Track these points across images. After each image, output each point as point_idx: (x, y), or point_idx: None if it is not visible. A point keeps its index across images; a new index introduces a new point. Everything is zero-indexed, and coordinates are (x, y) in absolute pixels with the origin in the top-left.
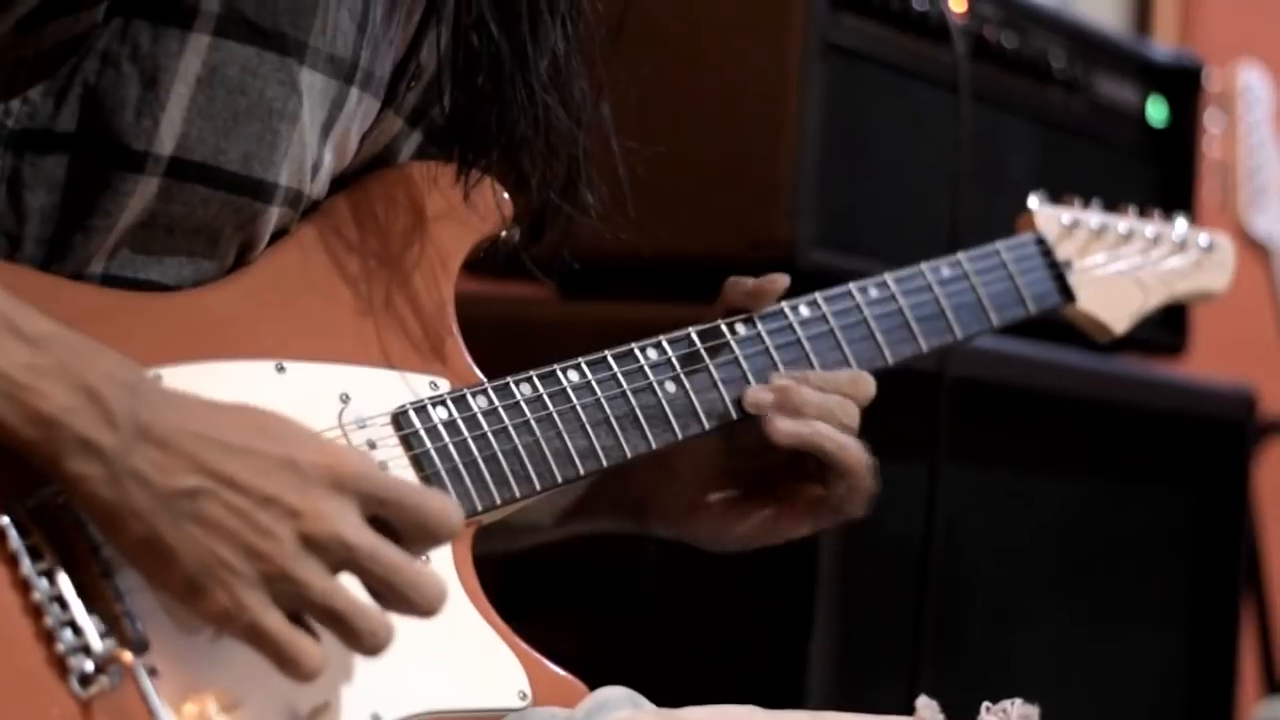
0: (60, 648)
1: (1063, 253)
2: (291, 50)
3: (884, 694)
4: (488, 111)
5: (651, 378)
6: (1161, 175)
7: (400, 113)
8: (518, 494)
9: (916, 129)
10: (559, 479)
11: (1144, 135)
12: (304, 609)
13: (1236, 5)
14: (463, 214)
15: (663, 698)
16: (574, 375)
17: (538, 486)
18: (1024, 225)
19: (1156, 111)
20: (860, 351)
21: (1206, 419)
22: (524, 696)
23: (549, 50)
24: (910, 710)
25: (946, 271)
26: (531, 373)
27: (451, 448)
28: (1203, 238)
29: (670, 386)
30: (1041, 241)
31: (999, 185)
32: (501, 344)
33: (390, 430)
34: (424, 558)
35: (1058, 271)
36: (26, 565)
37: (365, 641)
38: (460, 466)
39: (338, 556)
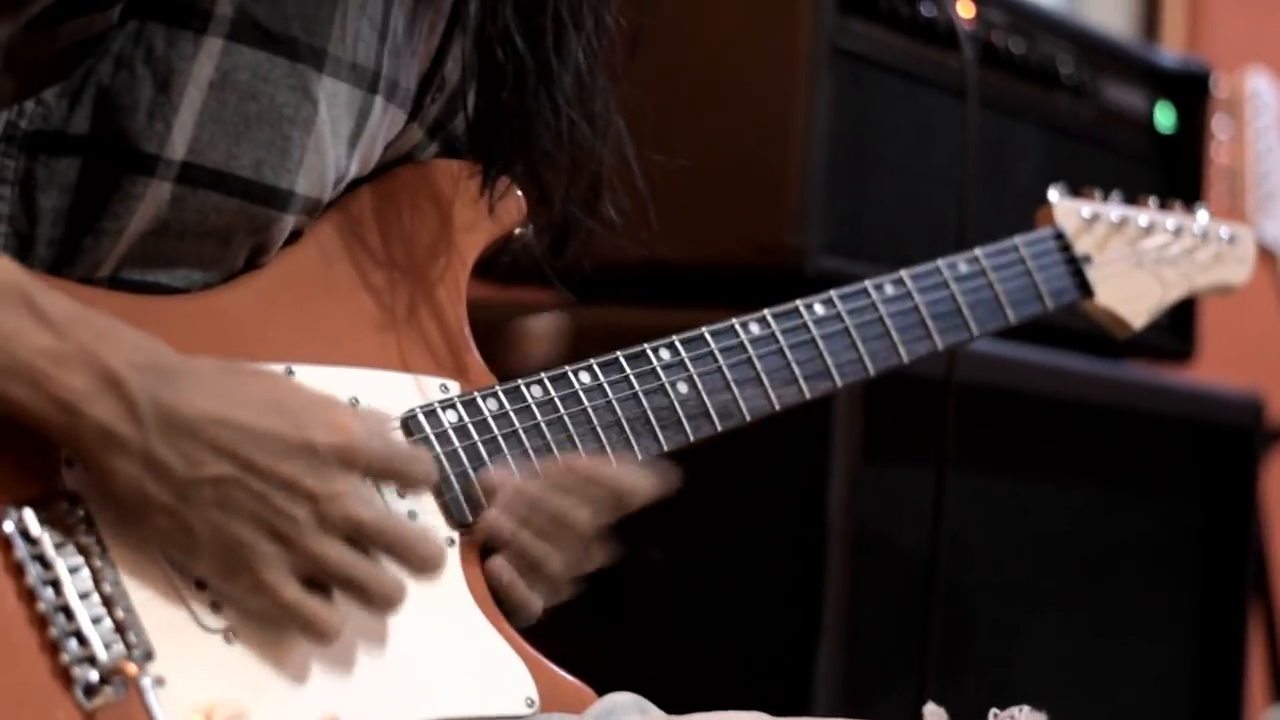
0: (65, 658)
1: (1082, 247)
2: (305, 57)
3: (891, 701)
4: (511, 125)
5: (664, 379)
6: (1169, 181)
7: (423, 125)
8: None
9: (924, 134)
10: None
11: (1151, 141)
12: (325, 579)
13: (1244, 11)
14: (475, 216)
15: (670, 704)
16: (585, 377)
17: None
18: (1043, 219)
19: (1164, 117)
20: (875, 350)
21: (1214, 425)
22: (531, 702)
23: (573, 65)
24: (918, 717)
25: (964, 268)
26: (543, 374)
27: (461, 452)
28: (1224, 230)
29: (683, 387)
30: (1060, 236)
31: (1006, 191)
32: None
33: (400, 434)
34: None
35: (1076, 267)
36: (32, 575)
37: (379, 601)
38: (469, 471)
39: (349, 530)
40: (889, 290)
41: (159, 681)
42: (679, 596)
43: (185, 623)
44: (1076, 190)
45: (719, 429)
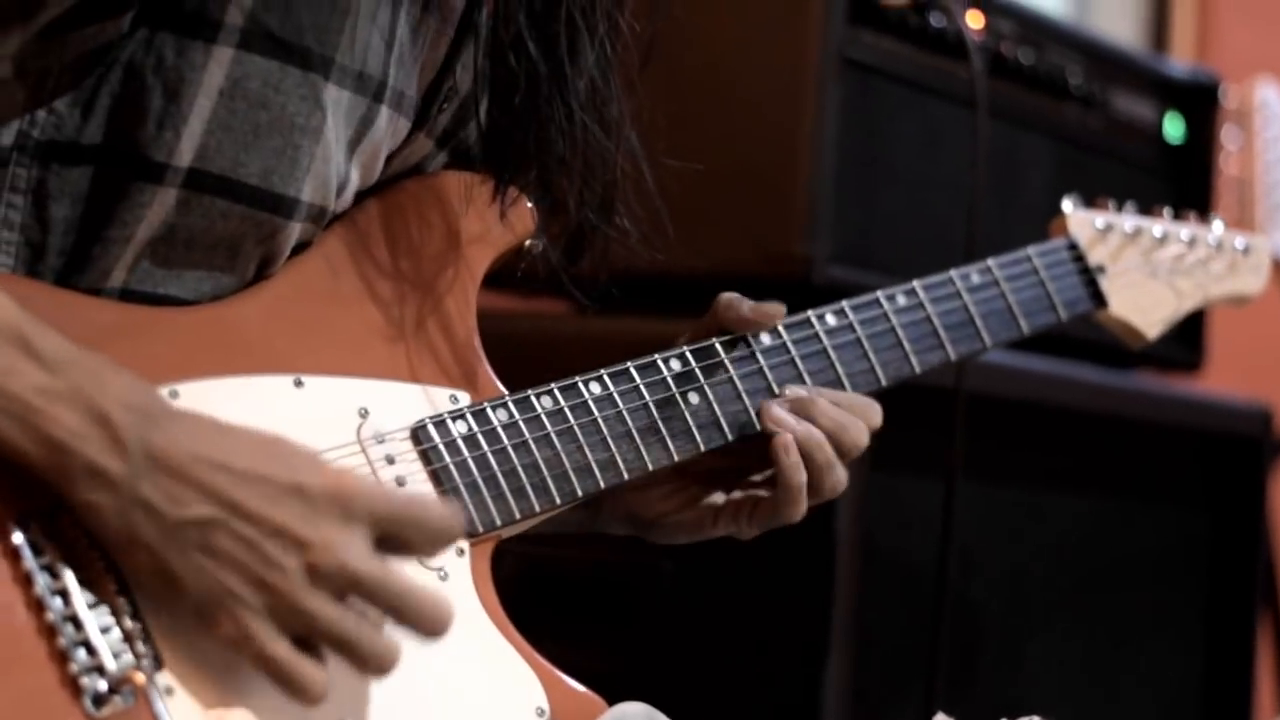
0: (74, 668)
1: (1095, 257)
2: (316, 65)
3: (900, 711)
4: (525, 132)
5: (674, 389)
6: (1178, 192)
7: (431, 135)
8: (537, 508)
9: (933, 145)
10: (579, 493)
11: (1161, 152)
12: (313, 637)
13: (1254, 22)
14: (485, 226)
15: (680, 714)
16: (596, 387)
17: (557, 500)
18: (1056, 229)
19: (1173, 128)
20: (887, 360)
21: (1222, 436)
22: (542, 712)
23: (587, 70)
24: None
25: (976, 278)
26: (553, 385)
27: (471, 462)
28: (1239, 240)
29: (694, 398)
30: (1074, 246)
31: (1016, 201)
32: (520, 359)
33: (409, 445)
34: (441, 573)
35: (1090, 277)
36: (41, 585)
37: (372, 665)
38: (479, 481)
39: (344, 584)
40: (901, 300)
41: (168, 691)
42: (689, 606)
43: (193, 631)
44: (1090, 201)
45: (730, 439)
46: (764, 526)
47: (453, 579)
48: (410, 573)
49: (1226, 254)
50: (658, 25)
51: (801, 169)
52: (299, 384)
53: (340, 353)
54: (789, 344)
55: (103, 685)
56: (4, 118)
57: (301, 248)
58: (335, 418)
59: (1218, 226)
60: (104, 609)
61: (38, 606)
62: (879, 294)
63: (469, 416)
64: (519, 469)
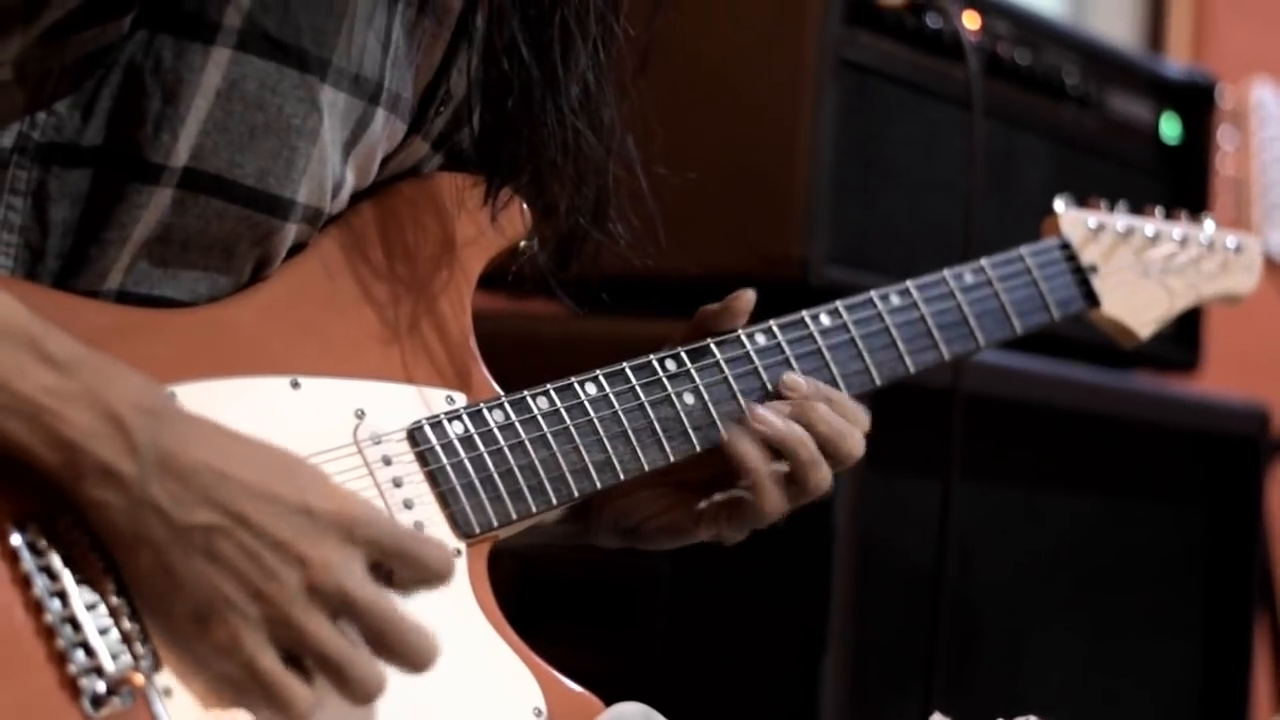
0: (72, 669)
1: (1087, 257)
2: (313, 67)
3: (897, 710)
4: (518, 135)
5: (670, 389)
6: (1174, 192)
7: (427, 137)
8: (533, 509)
9: (930, 145)
10: (575, 493)
11: (1157, 152)
12: (302, 653)
13: (1250, 22)
14: (480, 228)
15: (677, 714)
16: (591, 388)
17: (554, 501)
18: (1049, 229)
19: (1170, 128)
20: (882, 360)
21: (1219, 436)
22: (539, 713)
23: (580, 75)
24: None
25: (969, 278)
26: (549, 386)
27: (467, 463)
28: (1231, 239)
29: (689, 398)
30: (1066, 245)
31: (1012, 201)
32: (515, 361)
33: (406, 446)
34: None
35: (1082, 276)
36: (39, 586)
37: (357, 689)
38: (476, 482)
39: (338, 606)
40: (895, 300)
41: (166, 692)
42: (686, 606)
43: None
44: (1082, 200)
45: (725, 439)
46: (744, 528)
47: (455, 568)
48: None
49: (1218, 253)
50: (654, 28)
51: (798, 170)
52: (296, 385)
53: (337, 354)
54: (783, 344)
55: (101, 686)
56: (4, 120)
57: (297, 250)
58: (332, 419)
59: (1209, 226)
60: (102, 610)
61: (36, 608)
62: (873, 294)
63: (465, 418)
64: (515, 470)
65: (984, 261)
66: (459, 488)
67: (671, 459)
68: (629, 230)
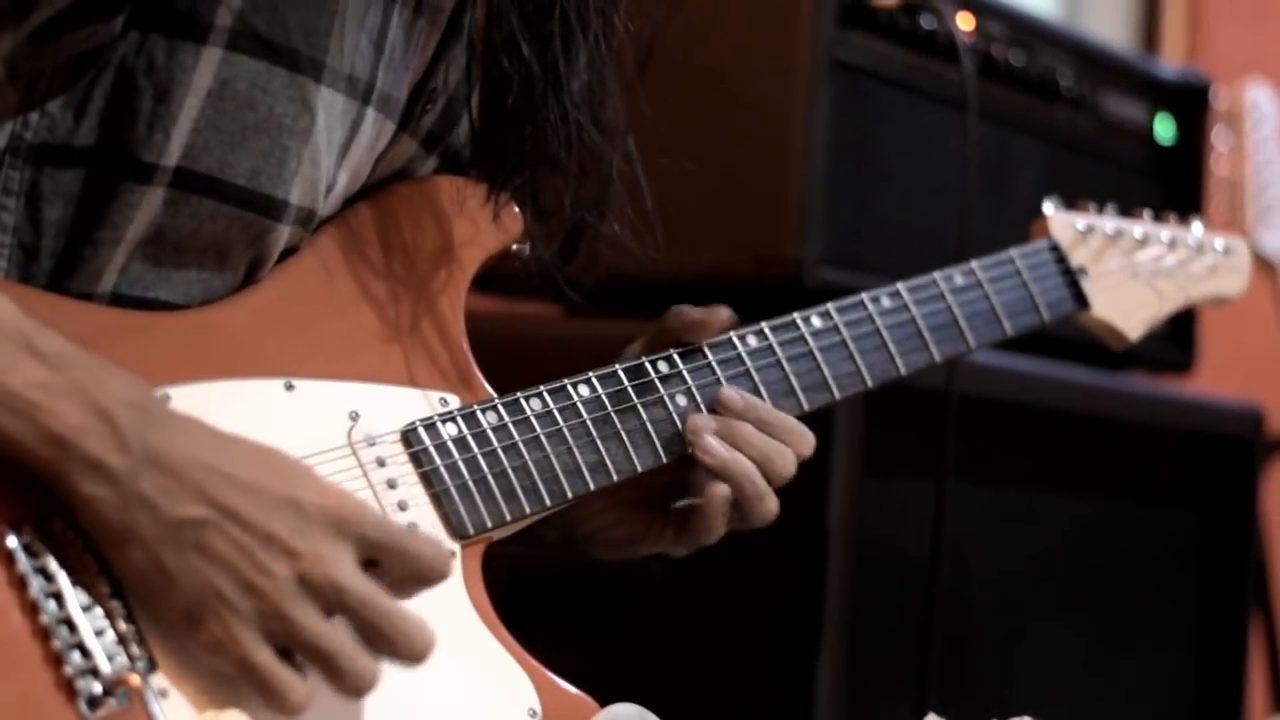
0: (68, 670)
1: (1077, 259)
2: (305, 68)
3: (892, 712)
4: (520, 133)
5: (663, 391)
6: (1169, 193)
7: (415, 136)
8: (527, 509)
9: (924, 147)
10: (569, 494)
11: (1151, 153)
12: (294, 647)
13: (1244, 23)
14: (474, 230)
15: (672, 715)
16: (584, 389)
17: (547, 502)
18: (1038, 231)
19: (1164, 129)
20: (873, 362)
21: (1214, 437)
22: (534, 714)
23: (581, 69)
24: None
25: (960, 280)
26: (542, 388)
27: (461, 464)
28: (1219, 242)
29: (681, 400)
30: (1055, 248)
31: (1006, 203)
32: (508, 362)
33: (400, 447)
34: None
35: (1072, 278)
36: (35, 588)
37: (349, 683)
38: (470, 483)
39: (330, 599)
40: (886, 303)
41: (162, 693)
42: (680, 608)
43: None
44: (1072, 202)
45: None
46: (690, 546)
47: (450, 566)
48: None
49: (1207, 255)
50: (657, 26)
51: (792, 171)
52: (290, 387)
53: (331, 356)
54: (775, 346)
55: (97, 688)
56: None
57: (290, 252)
58: (326, 421)
59: (1197, 228)
60: (98, 612)
61: (32, 609)
62: (864, 296)
63: (459, 419)
64: (509, 471)
65: (974, 263)
66: (453, 489)
67: (665, 460)
68: (629, 227)
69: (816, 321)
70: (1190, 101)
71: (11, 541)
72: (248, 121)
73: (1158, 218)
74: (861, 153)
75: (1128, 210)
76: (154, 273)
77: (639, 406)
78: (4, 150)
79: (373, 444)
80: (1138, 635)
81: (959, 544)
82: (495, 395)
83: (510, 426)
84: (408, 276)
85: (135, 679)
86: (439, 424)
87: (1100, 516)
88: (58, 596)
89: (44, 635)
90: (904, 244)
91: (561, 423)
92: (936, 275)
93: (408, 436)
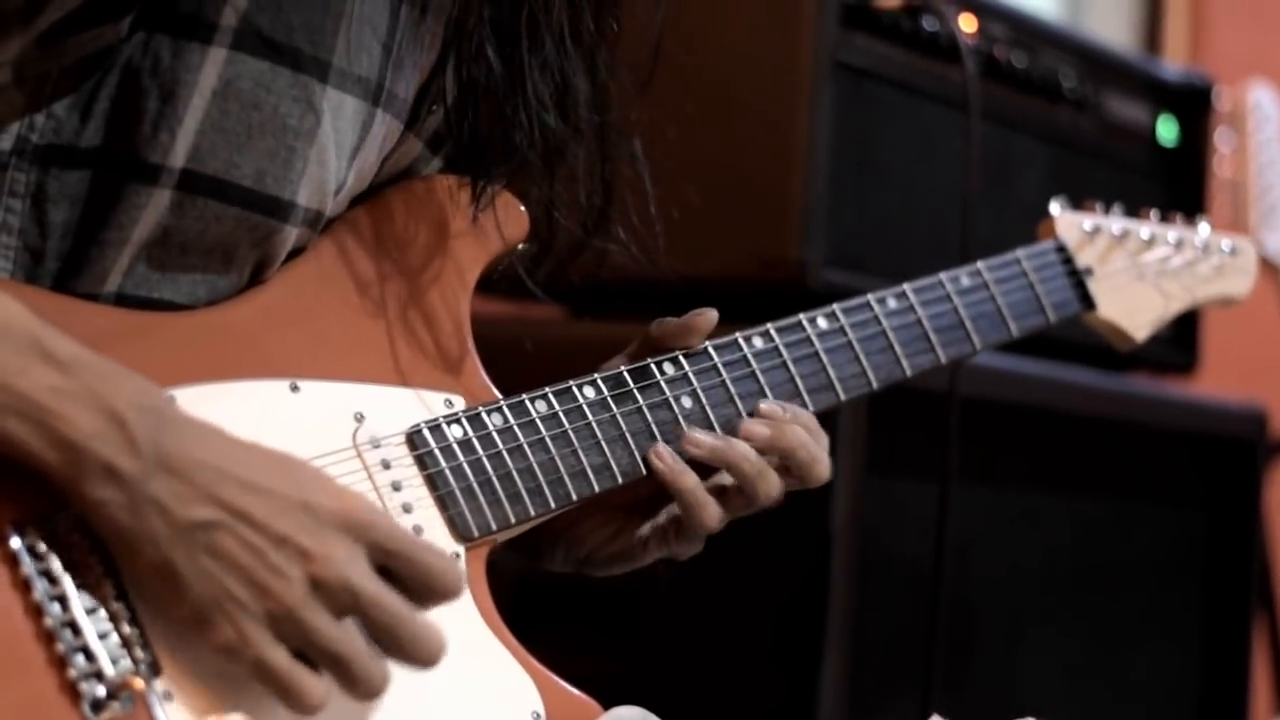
0: (72, 673)
1: (1083, 259)
2: (309, 68)
3: (896, 713)
4: (491, 135)
5: (668, 392)
6: (1171, 194)
7: (421, 136)
8: (532, 512)
9: (927, 148)
10: (574, 496)
11: (1154, 154)
12: (307, 649)
13: (1247, 24)
14: (479, 230)
15: (676, 717)
16: (590, 391)
17: (552, 504)
18: (1045, 232)
19: (1167, 130)
20: (879, 363)
21: (1217, 438)
22: (538, 717)
23: (552, 72)
24: None
25: (966, 281)
26: (547, 389)
27: (466, 466)
28: (1225, 242)
29: (687, 401)
30: (1062, 249)
31: (1009, 204)
32: (513, 364)
33: (405, 450)
34: None
35: (1078, 279)
36: (39, 590)
37: (361, 687)
38: (475, 485)
39: (344, 601)
40: (891, 304)
41: (166, 696)
42: (684, 609)
43: (191, 637)
44: (1078, 203)
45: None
46: (694, 543)
47: (464, 583)
48: None
49: (1213, 256)
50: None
51: (795, 173)
52: (295, 389)
53: (336, 358)
54: (781, 347)
55: (101, 691)
56: (3, 122)
57: (296, 253)
58: (331, 423)
59: (1204, 229)
60: (102, 614)
61: (36, 612)
62: (870, 297)
63: (464, 421)
64: (514, 473)
65: (980, 264)
66: (458, 491)
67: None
68: (629, 232)
69: (822, 323)
70: (1193, 103)
71: (15, 544)
72: (252, 122)
73: (1165, 218)
74: (864, 154)
75: (1133, 211)
76: (159, 274)
77: (644, 408)
78: (10, 152)
79: (378, 446)
80: (1141, 636)
81: (962, 545)
82: (500, 397)
83: (515, 428)
84: (413, 277)
85: (139, 682)
86: (444, 426)
87: (1103, 518)
88: (62, 599)
89: (48, 638)
90: (907, 245)
91: (567, 425)
92: (942, 276)
93: (413, 438)
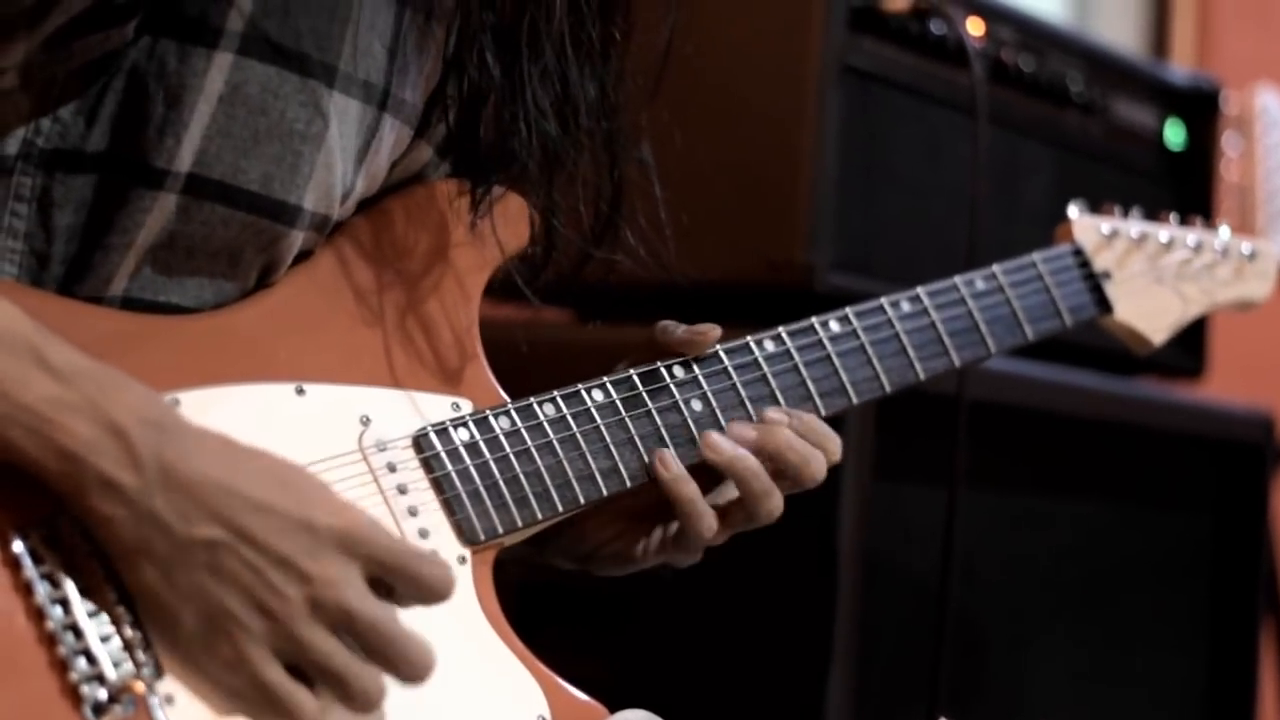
0: (74, 676)
1: (1101, 263)
2: (316, 73)
3: (903, 718)
4: (490, 140)
5: (678, 396)
6: (1179, 198)
7: (431, 141)
8: (539, 515)
9: (934, 152)
10: (581, 500)
11: (1161, 158)
12: (304, 666)
13: (1254, 28)
14: (485, 235)
15: None
16: (599, 395)
17: (560, 508)
18: (1062, 235)
19: (1174, 134)
20: (891, 367)
21: (1225, 442)
22: None
23: (552, 79)
24: None
25: (981, 284)
26: (555, 393)
27: (473, 469)
28: (1245, 245)
29: (696, 405)
30: (1079, 252)
31: (1017, 208)
32: (521, 367)
33: (411, 453)
34: None
35: (1095, 283)
36: (41, 593)
37: (359, 700)
38: (481, 489)
39: (339, 621)
40: (905, 307)
41: (168, 699)
42: (690, 615)
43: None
44: (1095, 207)
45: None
46: (692, 553)
47: (455, 587)
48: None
49: (1233, 259)
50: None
51: (803, 177)
52: (301, 392)
53: (342, 361)
54: (793, 350)
55: (103, 694)
56: (9, 127)
57: (303, 256)
58: (337, 426)
59: (1224, 232)
60: (104, 618)
61: (38, 615)
62: (883, 300)
63: (471, 424)
64: (521, 477)
65: (996, 268)
66: (464, 495)
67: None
68: (638, 237)
69: (835, 326)
70: (1200, 107)
71: (18, 546)
72: (259, 127)
73: (1184, 221)
74: (872, 158)
75: (1150, 214)
76: (165, 277)
77: (653, 412)
78: (16, 156)
79: (384, 449)
80: (1148, 641)
81: (970, 549)
82: (508, 400)
83: (523, 431)
84: (419, 281)
85: (140, 685)
86: (451, 429)
87: (1110, 522)
88: (64, 602)
89: (50, 641)
90: (914, 249)
91: (575, 428)
92: (957, 279)
93: (419, 441)
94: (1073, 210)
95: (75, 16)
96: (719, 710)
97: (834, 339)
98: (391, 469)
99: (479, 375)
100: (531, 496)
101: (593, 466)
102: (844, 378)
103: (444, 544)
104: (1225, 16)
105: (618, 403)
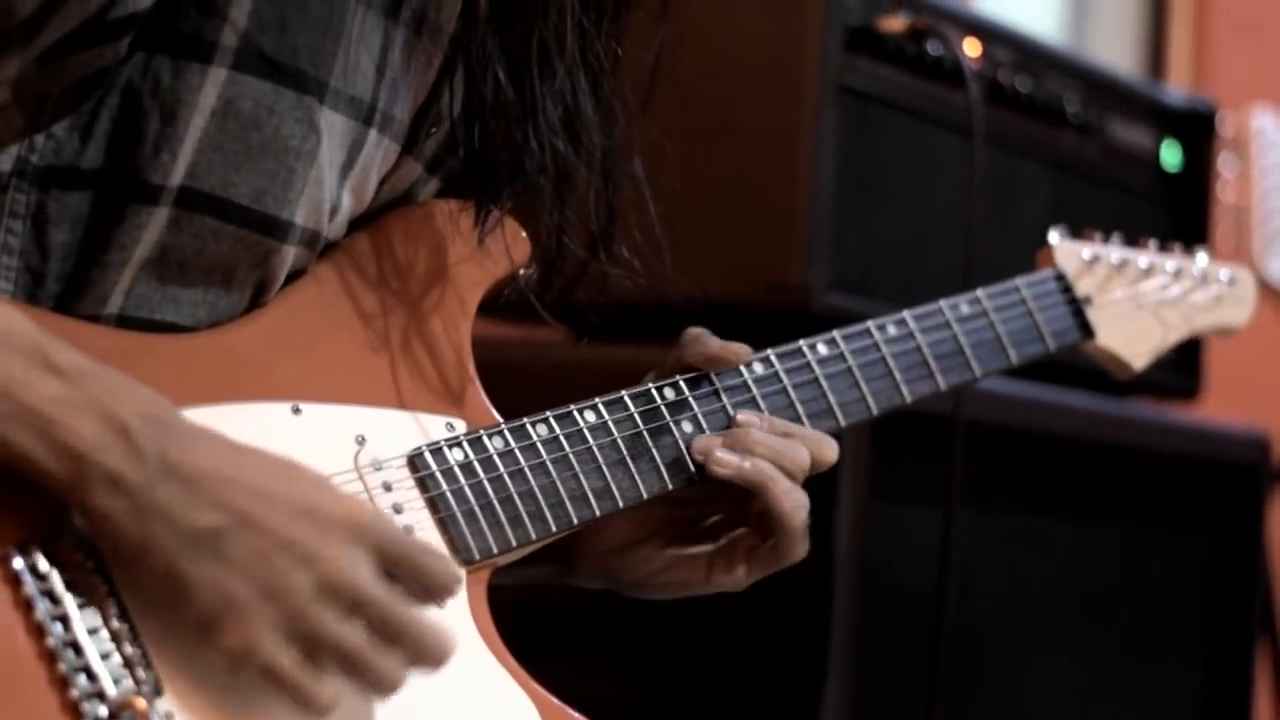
0: (74, 693)
1: (1083, 288)
2: (310, 89)
3: None
4: (498, 159)
5: (668, 417)
6: (1175, 220)
7: (420, 159)
8: (533, 535)
9: (931, 172)
10: (575, 520)
11: (1158, 179)
12: (317, 650)
13: (1250, 49)
14: (480, 254)
15: None
16: (590, 416)
17: (554, 528)
18: (1044, 260)
19: (1170, 155)
20: (878, 390)
21: (1220, 463)
22: None
23: (560, 96)
24: None
25: (965, 309)
26: (548, 413)
27: (467, 490)
28: (1224, 272)
29: (687, 426)
30: (1061, 277)
31: (1013, 229)
32: (515, 387)
33: (406, 472)
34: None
35: (1077, 308)
36: (41, 610)
37: (374, 679)
38: (476, 509)
39: (350, 603)
40: (891, 330)
41: (168, 717)
42: (687, 633)
43: (193, 657)
44: (1077, 231)
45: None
46: (765, 571)
47: (449, 606)
48: None
49: (1212, 285)
50: (659, 58)
51: (799, 196)
52: (297, 411)
53: (338, 380)
54: (781, 373)
55: (103, 711)
56: (3, 143)
57: (296, 275)
58: (333, 445)
59: (1202, 258)
60: (104, 635)
61: (38, 632)
62: (870, 324)
63: (465, 444)
64: (515, 497)
65: (980, 292)
66: (459, 514)
67: (670, 488)
68: (633, 255)
69: (822, 349)
70: (1196, 128)
71: (18, 563)
72: (252, 141)
73: (1163, 247)
74: (868, 178)
75: (1134, 238)
76: (160, 294)
77: (645, 433)
78: (10, 173)
79: (379, 468)
80: (1144, 662)
81: (965, 569)
82: (501, 420)
83: (516, 452)
84: (414, 302)
85: (141, 702)
86: (445, 449)
87: (1106, 543)
88: (64, 619)
89: (50, 658)
90: (911, 269)
91: (568, 449)
92: (943, 304)
93: (414, 461)
94: (1054, 235)
95: (69, 32)
96: None
97: (821, 361)
98: (387, 488)
99: (473, 395)
100: (525, 516)
101: (585, 487)
102: (831, 400)
103: None
104: (1221, 38)
105: (610, 424)
